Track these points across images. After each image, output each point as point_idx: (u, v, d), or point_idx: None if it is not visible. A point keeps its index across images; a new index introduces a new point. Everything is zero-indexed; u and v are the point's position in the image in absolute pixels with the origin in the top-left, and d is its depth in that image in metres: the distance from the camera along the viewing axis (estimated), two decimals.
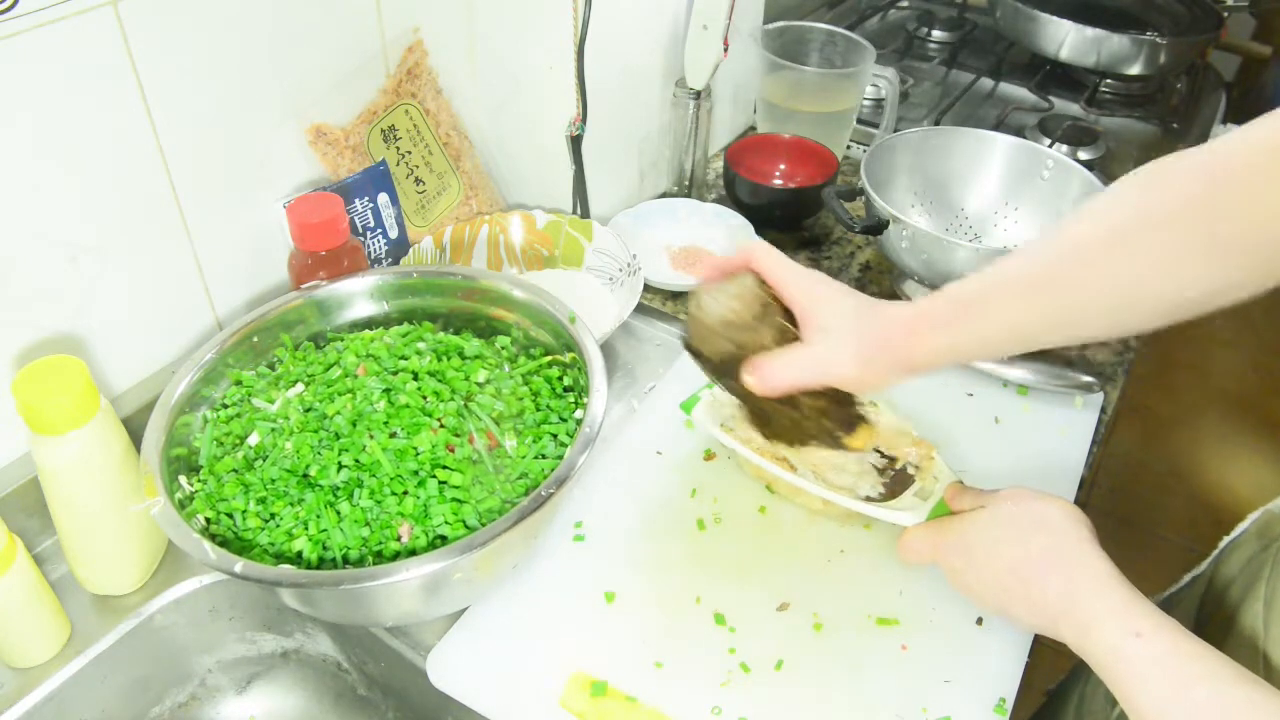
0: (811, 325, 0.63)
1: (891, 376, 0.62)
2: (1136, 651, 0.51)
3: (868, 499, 0.70)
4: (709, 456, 0.82)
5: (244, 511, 0.64)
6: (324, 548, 0.63)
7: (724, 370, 0.66)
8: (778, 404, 0.65)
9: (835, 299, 0.63)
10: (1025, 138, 1.06)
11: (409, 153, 0.97)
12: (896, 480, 0.72)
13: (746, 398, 0.67)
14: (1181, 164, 0.55)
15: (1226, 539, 0.74)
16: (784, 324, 0.64)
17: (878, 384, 0.63)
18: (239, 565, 0.58)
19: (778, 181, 1.15)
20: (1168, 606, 0.75)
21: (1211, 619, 0.71)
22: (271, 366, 0.76)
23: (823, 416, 0.66)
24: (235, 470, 0.67)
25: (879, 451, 0.74)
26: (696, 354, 0.67)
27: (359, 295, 0.80)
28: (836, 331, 0.62)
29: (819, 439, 0.67)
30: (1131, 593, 0.55)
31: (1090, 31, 1.31)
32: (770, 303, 0.64)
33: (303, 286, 0.79)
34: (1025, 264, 0.59)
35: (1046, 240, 0.60)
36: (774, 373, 0.62)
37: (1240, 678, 0.49)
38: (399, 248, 0.95)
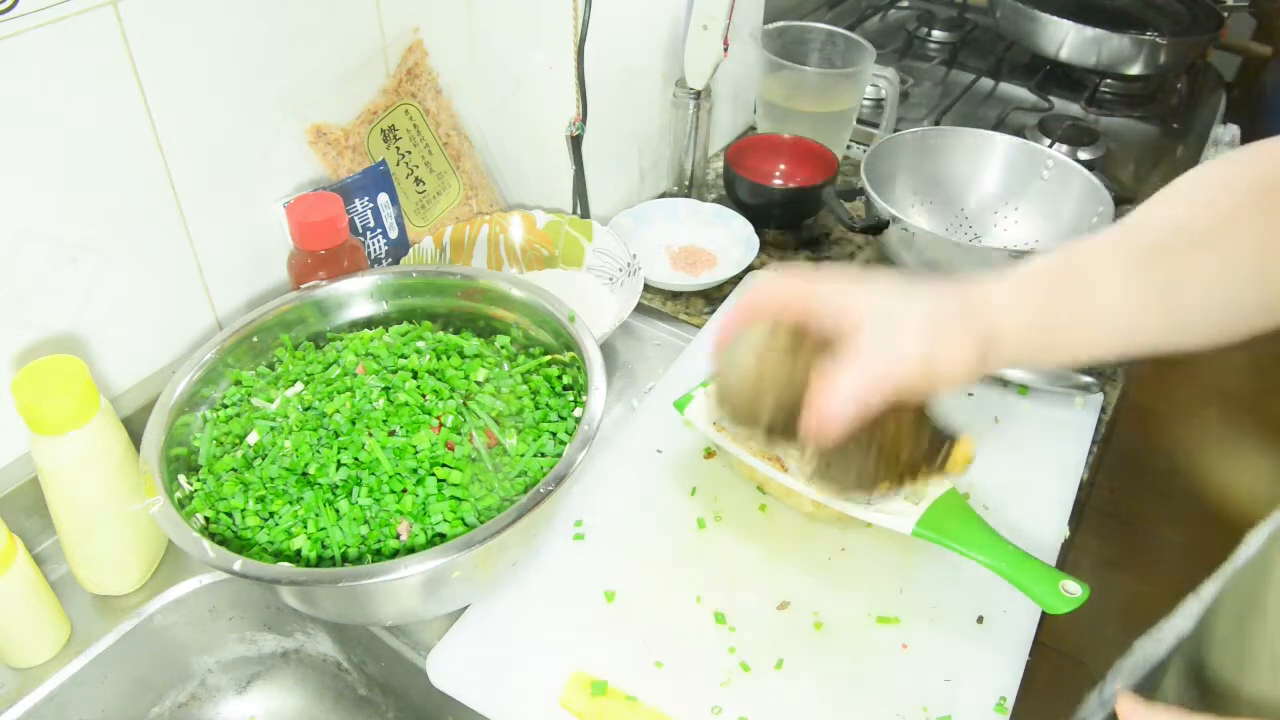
0: (847, 325, 0.51)
1: (970, 349, 0.50)
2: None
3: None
4: (709, 455, 0.82)
5: (243, 510, 0.64)
6: (323, 546, 0.63)
7: (780, 428, 0.54)
8: (857, 442, 0.53)
9: (866, 289, 0.52)
10: (1025, 138, 1.06)
11: (409, 153, 0.97)
12: None
13: (823, 451, 0.54)
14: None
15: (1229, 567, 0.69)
16: (826, 341, 0.52)
17: (958, 363, 0.50)
18: (238, 563, 0.58)
19: (778, 181, 1.15)
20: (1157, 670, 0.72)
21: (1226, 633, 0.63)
22: (271, 366, 0.76)
23: (916, 433, 0.54)
24: (234, 469, 0.67)
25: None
26: (744, 424, 0.55)
27: (358, 295, 0.80)
28: (882, 319, 0.50)
29: (910, 473, 0.56)
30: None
31: (1090, 31, 1.31)
32: (796, 330, 0.53)
33: (302, 286, 0.79)
34: (1121, 239, 0.53)
35: (1129, 223, 0.53)
36: (830, 401, 0.49)
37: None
38: (399, 248, 0.95)
